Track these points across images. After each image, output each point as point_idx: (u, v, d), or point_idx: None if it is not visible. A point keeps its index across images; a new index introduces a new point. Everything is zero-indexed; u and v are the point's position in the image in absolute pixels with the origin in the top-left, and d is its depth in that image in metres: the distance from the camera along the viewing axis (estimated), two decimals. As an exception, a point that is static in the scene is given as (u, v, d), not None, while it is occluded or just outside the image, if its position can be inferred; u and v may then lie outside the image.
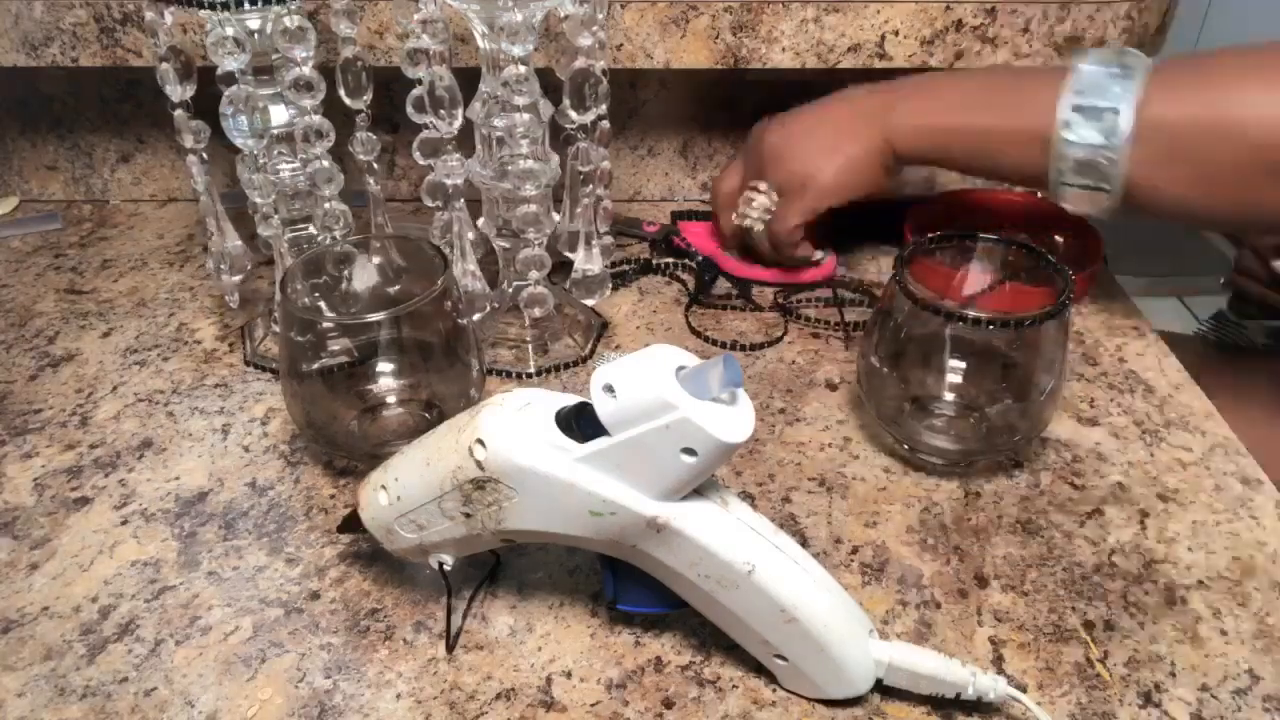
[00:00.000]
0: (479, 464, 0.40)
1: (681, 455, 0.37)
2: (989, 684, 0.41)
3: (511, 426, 0.40)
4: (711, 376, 0.36)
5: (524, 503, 0.40)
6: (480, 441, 0.40)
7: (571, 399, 0.41)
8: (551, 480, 0.39)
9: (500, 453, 0.39)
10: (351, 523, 0.47)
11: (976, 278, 0.57)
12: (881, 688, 0.43)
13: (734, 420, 0.37)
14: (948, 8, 0.69)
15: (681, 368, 0.37)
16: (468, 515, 0.42)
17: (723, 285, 0.72)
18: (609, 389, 0.37)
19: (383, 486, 0.44)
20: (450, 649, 0.45)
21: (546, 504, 0.40)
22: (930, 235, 0.56)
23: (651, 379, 0.37)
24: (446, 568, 0.45)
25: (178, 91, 0.56)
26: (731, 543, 0.40)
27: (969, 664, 0.41)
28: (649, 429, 0.37)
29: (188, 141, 0.57)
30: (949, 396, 0.56)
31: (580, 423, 0.40)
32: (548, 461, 0.39)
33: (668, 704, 0.43)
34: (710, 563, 0.40)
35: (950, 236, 0.56)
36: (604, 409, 0.38)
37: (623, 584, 0.44)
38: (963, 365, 0.55)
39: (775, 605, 0.40)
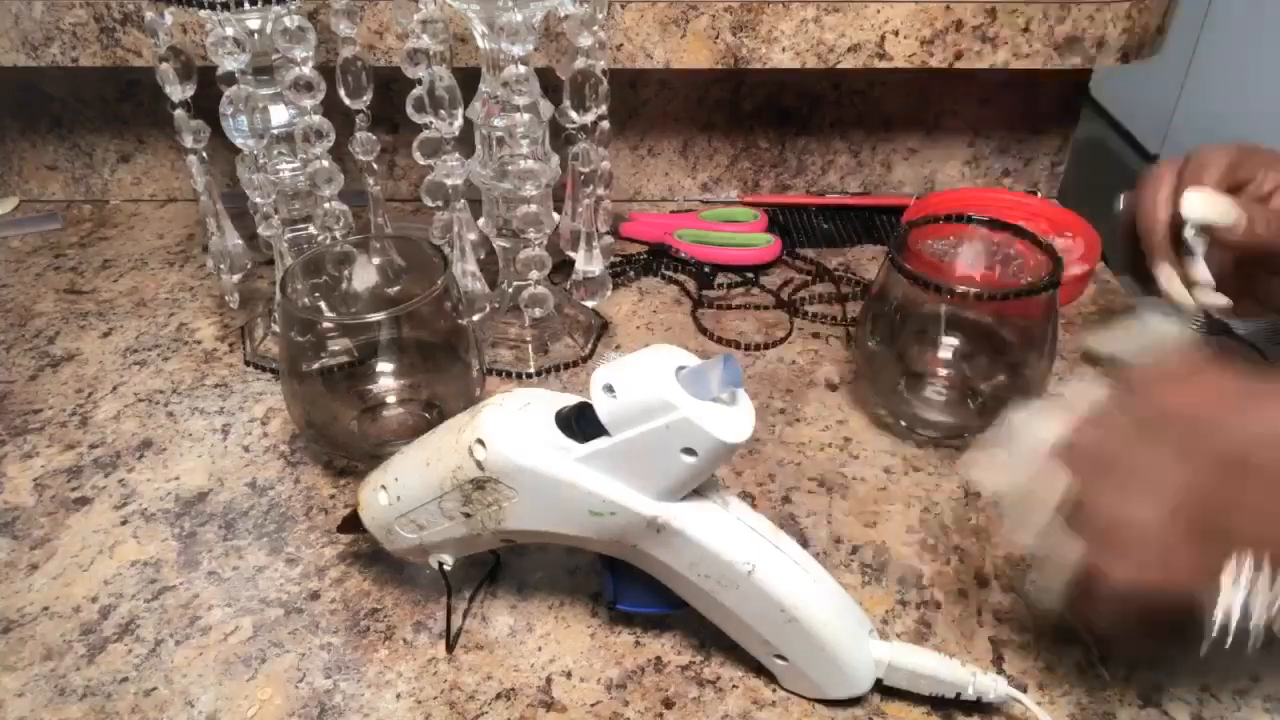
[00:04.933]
0: (479, 464, 0.40)
1: (681, 455, 0.37)
2: (989, 684, 0.41)
3: (511, 426, 0.40)
4: (711, 376, 0.36)
5: (524, 502, 0.40)
6: (480, 442, 0.40)
7: (571, 399, 0.41)
8: (551, 480, 0.39)
9: (500, 453, 0.39)
10: (351, 523, 0.47)
11: (970, 260, 0.58)
12: (882, 688, 0.43)
13: (734, 420, 0.37)
14: (948, 8, 0.69)
15: (681, 368, 0.37)
16: (468, 515, 0.42)
17: (721, 286, 0.72)
18: (609, 389, 0.37)
19: (382, 486, 0.44)
20: (450, 649, 0.45)
21: (546, 504, 0.40)
22: (925, 216, 0.58)
23: (651, 379, 0.37)
24: (446, 568, 0.45)
25: (178, 91, 0.56)
26: (732, 543, 0.40)
27: (969, 664, 0.41)
28: (649, 429, 0.37)
29: (188, 141, 0.57)
30: (943, 373, 0.57)
31: (580, 423, 0.39)
32: (548, 461, 0.39)
33: (668, 704, 0.43)
34: (710, 562, 0.40)
35: (943, 218, 0.57)
36: (604, 409, 0.38)
37: (622, 585, 0.43)
38: (955, 343, 0.57)
39: (775, 605, 0.40)
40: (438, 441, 0.43)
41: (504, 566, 0.49)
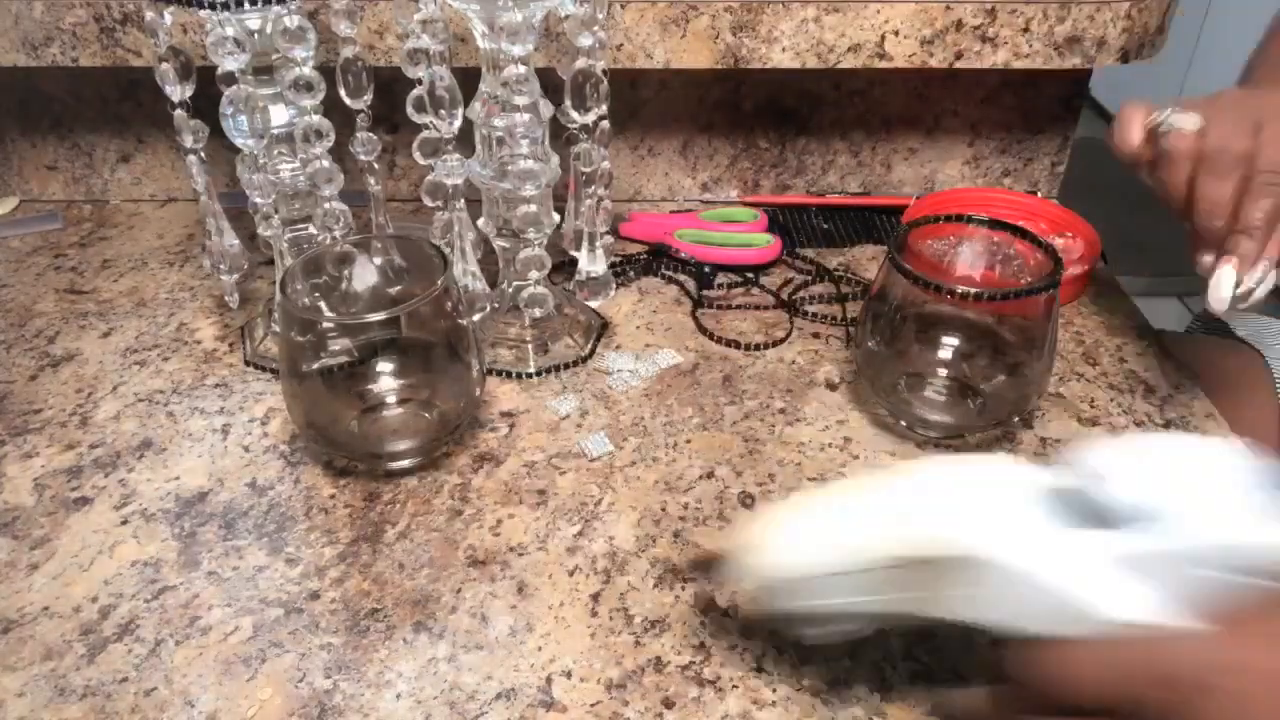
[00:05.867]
0: (948, 542, 0.33)
1: (1244, 577, 0.31)
2: None
3: (989, 505, 0.34)
4: None
5: (991, 595, 0.33)
6: (945, 517, 0.34)
7: (1066, 477, 0.34)
8: (1038, 574, 0.32)
9: (972, 533, 0.33)
10: (713, 563, 0.42)
11: (969, 260, 0.59)
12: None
13: None
14: (948, 8, 0.69)
15: (1257, 469, 0.31)
16: (903, 594, 0.35)
17: (721, 286, 0.72)
18: (1144, 483, 0.31)
19: (788, 536, 0.38)
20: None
21: (1020, 599, 0.33)
22: (925, 216, 0.58)
23: (1228, 491, 0.31)
24: (817, 641, 0.40)
25: (178, 91, 0.56)
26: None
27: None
28: (1213, 545, 0.31)
29: (187, 141, 0.57)
30: (942, 373, 0.57)
31: (1081, 508, 0.33)
32: (1043, 552, 0.32)
33: (668, 704, 0.43)
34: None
35: (943, 218, 0.58)
36: (1169, 512, 0.31)
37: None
38: (955, 343, 0.57)
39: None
40: (884, 502, 0.36)
41: (509, 567, 0.49)
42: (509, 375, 0.62)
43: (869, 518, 0.36)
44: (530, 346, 0.63)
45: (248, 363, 0.64)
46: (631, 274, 0.73)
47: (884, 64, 0.71)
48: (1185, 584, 0.31)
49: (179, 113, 0.57)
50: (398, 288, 0.58)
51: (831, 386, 0.62)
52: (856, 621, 0.39)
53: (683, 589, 0.48)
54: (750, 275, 0.73)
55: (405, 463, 0.55)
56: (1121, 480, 0.32)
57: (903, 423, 0.57)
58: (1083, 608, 0.32)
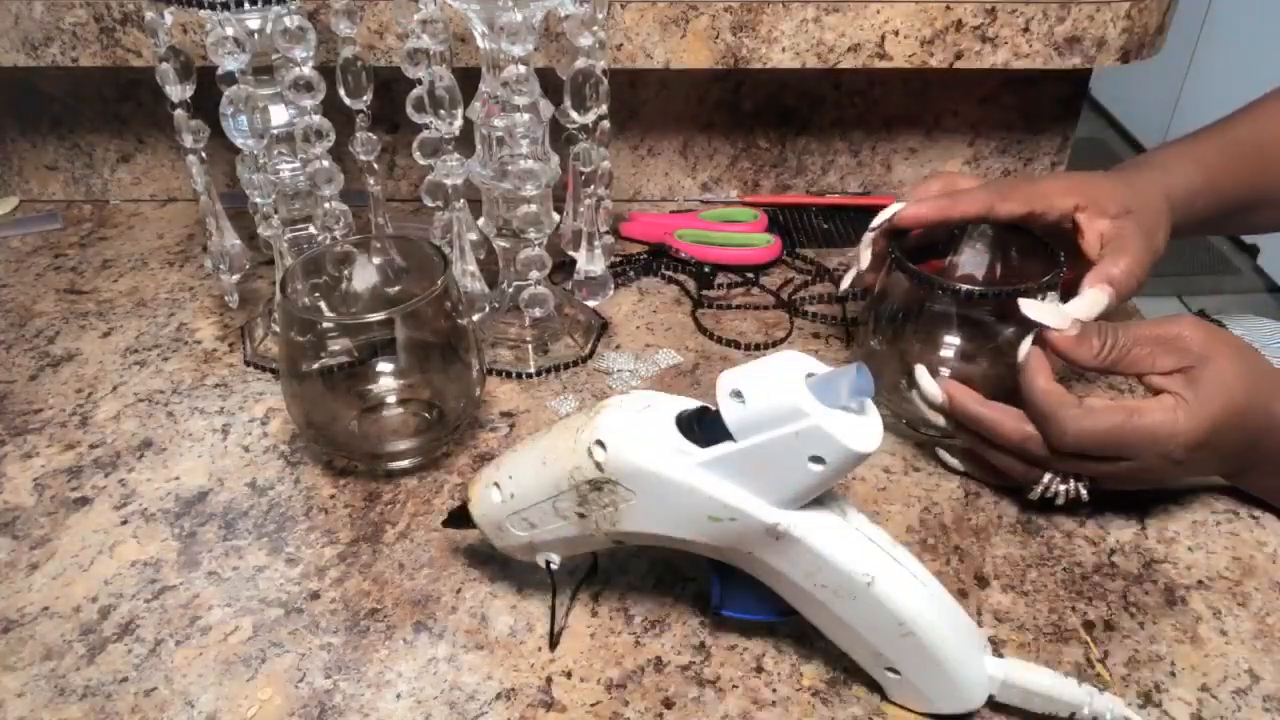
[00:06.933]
0: (598, 465, 0.40)
1: (809, 464, 0.36)
2: (1106, 705, 0.40)
3: (632, 429, 0.40)
4: (841, 384, 0.36)
5: (641, 505, 0.40)
6: (600, 443, 0.39)
7: (691, 402, 0.41)
8: (672, 484, 0.39)
9: (620, 455, 0.39)
10: (458, 518, 0.47)
11: (971, 260, 0.59)
12: (991, 703, 0.42)
13: (864, 429, 0.37)
14: (948, 8, 0.69)
15: (810, 375, 0.37)
16: (582, 515, 0.41)
17: (721, 286, 0.72)
18: (737, 394, 0.37)
19: (495, 484, 0.44)
20: (553, 647, 0.45)
21: (665, 508, 0.40)
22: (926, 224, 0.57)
23: (782, 385, 0.36)
24: (554, 566, 0.45)
25: (178, 91, 0.56)
26: (852, 554, 0.39)
27: (1085, 683, 0.41)
28: (777, 435, 0.36)
29: (187, 141, 0.57)
30: (944, 372, 0.57)
31: (702, 426, 0.39)
32: (669, 465, 0.39)
33: (668, 704, 0.43)
34: (829, 573, 0.39)
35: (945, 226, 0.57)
36: (731, 414, 0.37)
37: (729, 591, 0.43)
38: (956, 342, 0.57)
39: (893, 618, 0.40)
40: (554, 441, 0.42)
41: (509, 566, 0.49)
42: (509, 375, 0.62)
43: (552, 455, 0.42)
44: (530, 346, 0.63)
45: (248, 363, 0.64)
46: (631, 274, 0.73)
47: (884, 64, 0.71)
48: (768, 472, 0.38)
49: (179, 113, 0.57)
50: (398, 288, 0.58)
51: (831, 386, 0.62)
52: (562, 547, 0.44)
53: (683, 589, 0.48)
54: (750, 275, 0.73)
55: (405, 463, 0.55)
56: (726, 402, 0.37)
57: (904, 422, 0.57)
58: (705, 507, 0.39)
